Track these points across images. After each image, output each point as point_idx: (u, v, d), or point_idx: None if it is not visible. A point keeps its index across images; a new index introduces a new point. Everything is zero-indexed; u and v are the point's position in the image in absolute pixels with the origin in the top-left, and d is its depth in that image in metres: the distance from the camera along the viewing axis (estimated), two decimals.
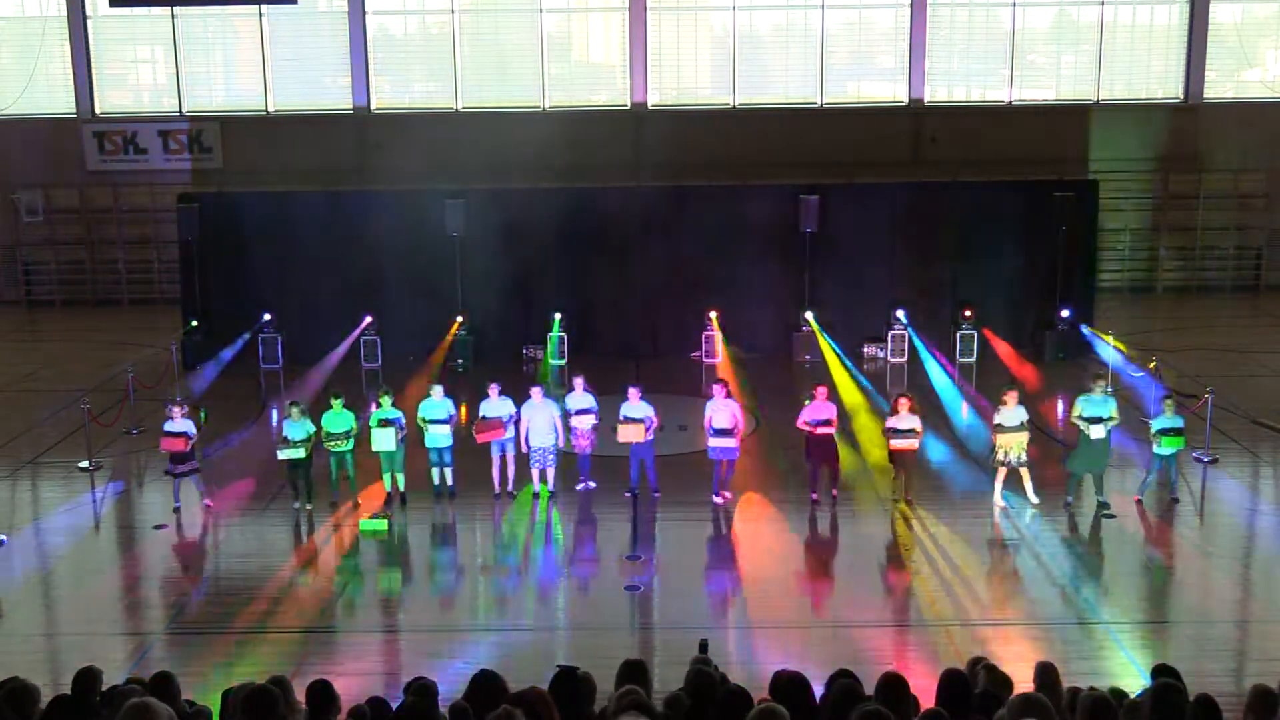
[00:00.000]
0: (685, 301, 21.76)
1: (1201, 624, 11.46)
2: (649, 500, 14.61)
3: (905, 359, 21.23)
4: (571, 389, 15.01)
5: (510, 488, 14.84)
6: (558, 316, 21.34)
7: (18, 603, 12.25)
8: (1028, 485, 14.26)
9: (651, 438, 14.51)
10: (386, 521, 14.12)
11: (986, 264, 21.67)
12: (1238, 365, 20.62)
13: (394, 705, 6.55)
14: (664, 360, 21.07)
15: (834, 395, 15.32)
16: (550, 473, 14.81)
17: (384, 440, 14.32)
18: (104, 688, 6.91)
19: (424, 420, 14.59)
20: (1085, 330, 21.03)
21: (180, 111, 27.06)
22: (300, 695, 6.55)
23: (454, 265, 21.30)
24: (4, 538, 13.71)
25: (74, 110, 27.04)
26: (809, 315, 21.35)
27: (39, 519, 14.71)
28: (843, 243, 21.62)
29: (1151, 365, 17.82)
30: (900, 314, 21.19)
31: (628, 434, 14.38)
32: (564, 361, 21.21)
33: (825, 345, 20.96)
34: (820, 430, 14.29)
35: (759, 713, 5.22)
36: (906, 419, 14.17)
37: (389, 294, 21.63)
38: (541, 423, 14.54)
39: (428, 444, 14.66)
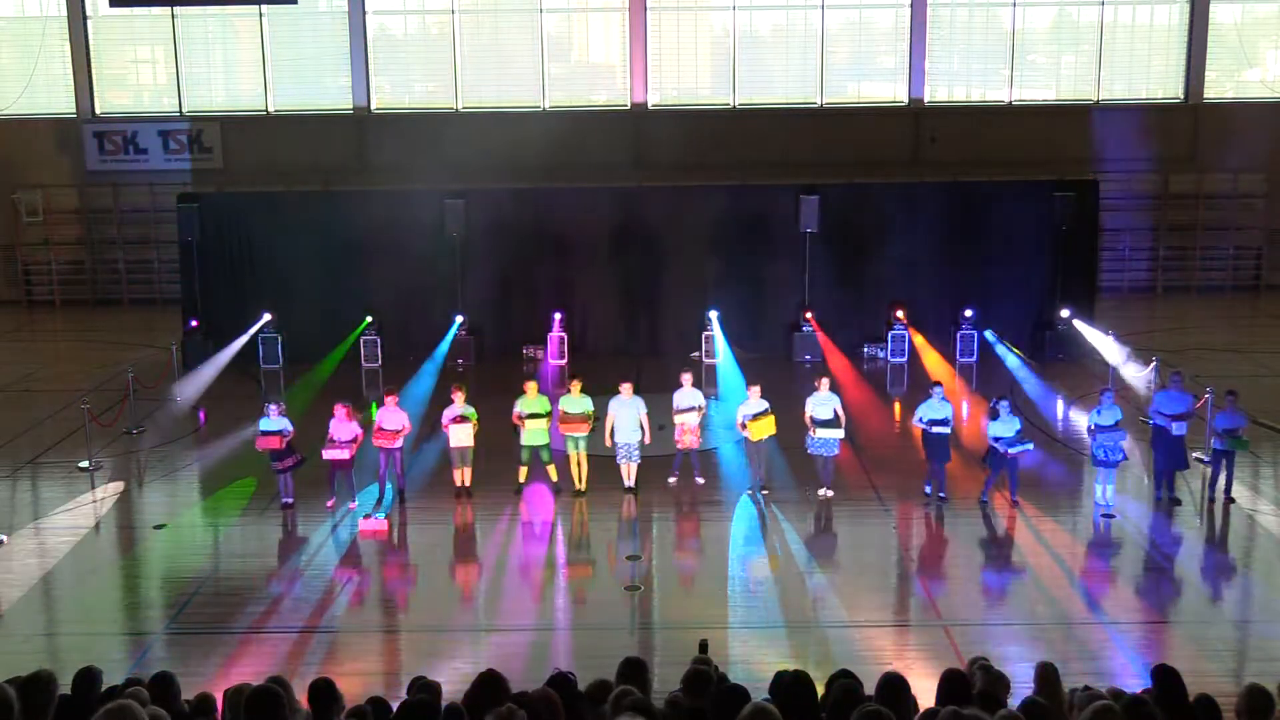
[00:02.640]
0: (685, 301, 21.76)
1: (1201, 624, 11.46)
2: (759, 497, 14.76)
3: (905, 359, 21.23)
4: (679, 385, 15.03)
5: (583, 485, 14.91)
6: (558, 316, 21.35)
7: (18, 603, 12.25)
8: (1110, 486, 14.21)
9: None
10: (386, 522, 14.12)
11: (986, 264, 21.67)
12: (1238, 365, 20.62)
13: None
14: (664, 360, 21.08)
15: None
16: (634, 468, 14.86)
17: (462, 436, 14.44)
18: (104, 688, 6.90)
19: (522, 417, 14.64)
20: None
21: (180, 111, 27.06)
22: (300, 695, 6.56)
23: (454, 265, 21.31)
24: (4, 537, 13.72)
25: (74, 110, 27.04)
26: (809, 315, 21.40)
27: (39, 519, 14.71)
28: (843, 243, 21.62)
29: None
30: (900, 314, 21.20)
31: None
32: (564, 361, 21.23)
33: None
34: (935, 429, 14.28)
35: (750, 711, 5.22)
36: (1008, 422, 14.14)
37: (389, 294, 21.64)
38: (627, 419, 14.61)
39: (525, 441, 14.69)
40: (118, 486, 15.66)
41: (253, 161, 26.30)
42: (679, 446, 15.04)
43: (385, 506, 14.53)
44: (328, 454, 14.33)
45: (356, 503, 14.60)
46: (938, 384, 14.77)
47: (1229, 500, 14.29)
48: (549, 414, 14.73)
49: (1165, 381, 14.81)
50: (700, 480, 15.13)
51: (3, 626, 11.69)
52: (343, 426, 14.37)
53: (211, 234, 21.69)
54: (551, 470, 14.95)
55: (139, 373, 18.98)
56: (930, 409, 14.37)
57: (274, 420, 14.44)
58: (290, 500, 14.60)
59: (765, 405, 14.61)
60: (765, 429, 14.52)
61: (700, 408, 14.92)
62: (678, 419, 14.90)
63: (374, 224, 21.53)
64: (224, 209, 22.18)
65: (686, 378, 15.05)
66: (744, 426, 14.59)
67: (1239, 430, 14.24)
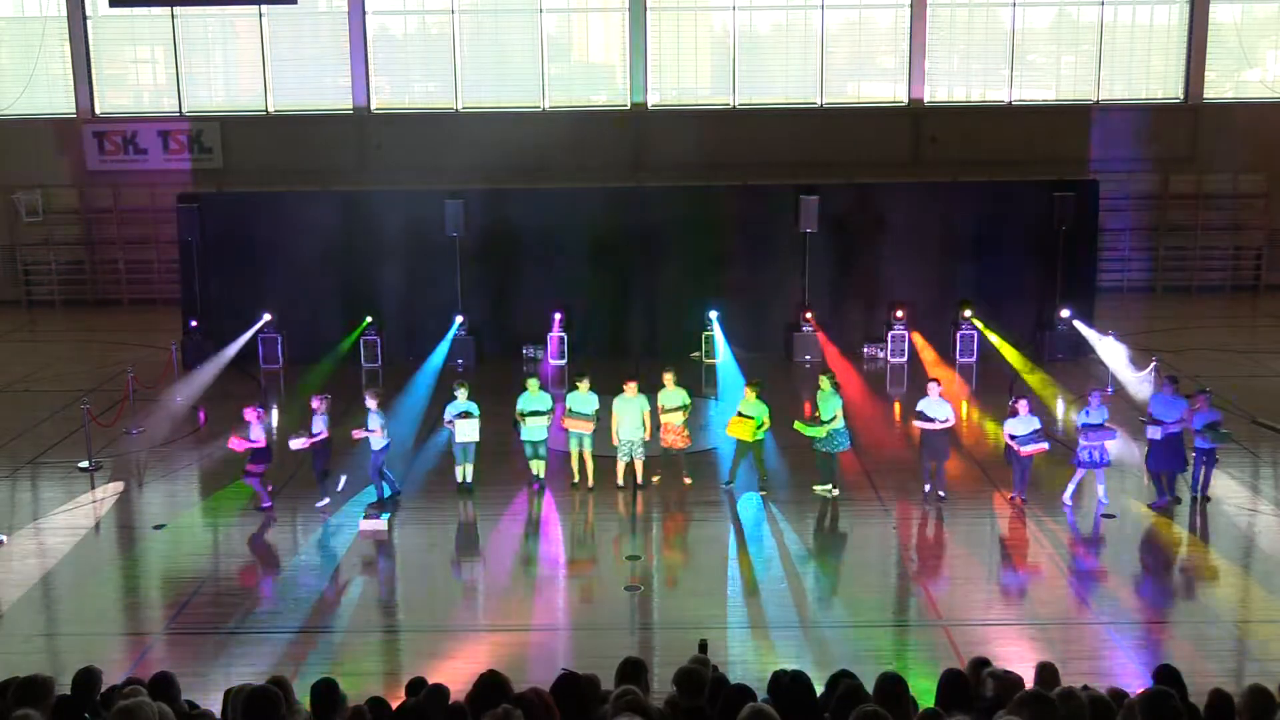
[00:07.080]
0: (685, 301, 21.75)
1: (1201, 624, 11.46)
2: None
3: (905, 359, 21.22)
4: (662, 385, 15.10)
5: (590, 483, 15.00)
6: (558, 316, 21.35)
7: (18, 603, 12.25)
8: (1101, 486, 14.23)
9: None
10: (385, 522, 14.12)
11: (986, 264, 21.67)
12: (1238, 365, 20.62)
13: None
14: (663, 360, 21.02)
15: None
16: (640, 465, 14.92)
17: (468, 431, 14.54)
18: (104, 688, 6.90)
19: (522, 413, 14.75)
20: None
21: (180, 111, 27.05)
22: (300, 695, 6.56)
23: (454, 265, 21.30)
24: (4, 538, 13.72)
25: (74, 110, 27.03)
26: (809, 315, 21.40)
27: (39, 519, 14.70)
28: (843, 243, 21.64)
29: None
30: (900, 314, 21.20)
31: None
32: (564, 361, 21.22)
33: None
34: (936, 425, 14.32)
35: (749, 713, 5.22)
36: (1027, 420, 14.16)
37: (389, 294, 21.65)
38: (630, 417, 14.67)
39: (524, 437, 14.83)
40: (118, 486, 15.66)
41: (253, 161, 26.29)
42: (664, 445, 15.11)
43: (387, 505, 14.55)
44: (294, 444, 14.38)
45: (328, 499, 14.62)
46: (934, 380, 14.83)
47: (1206, 498, 14.27)
48: (550, 411, 14.81)
49: (1161, 386, 14.81)
50: (688, 481, 15.12)
51: (3, 626, 11.69)
52: (315, 420, 14.41)
53: (211, 234, 21.67)
54: (540, 466, 15.02)
55: (139, 373, 18.97)
56: (929, 406, 14.42)
57: (254, 425, 14.43)
58: (269, 504, 14.60)
59: (758, 407, 14.65)
60: (740, 429, 14.59)
61: (685, 407, 14.95)
62: (663, 419, 14.96)
63: (374, 224, 21.53)
64: (224, 209, 22.17)
65: (668, 377, 15.11)
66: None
67: (1217, 425, 14.19)
